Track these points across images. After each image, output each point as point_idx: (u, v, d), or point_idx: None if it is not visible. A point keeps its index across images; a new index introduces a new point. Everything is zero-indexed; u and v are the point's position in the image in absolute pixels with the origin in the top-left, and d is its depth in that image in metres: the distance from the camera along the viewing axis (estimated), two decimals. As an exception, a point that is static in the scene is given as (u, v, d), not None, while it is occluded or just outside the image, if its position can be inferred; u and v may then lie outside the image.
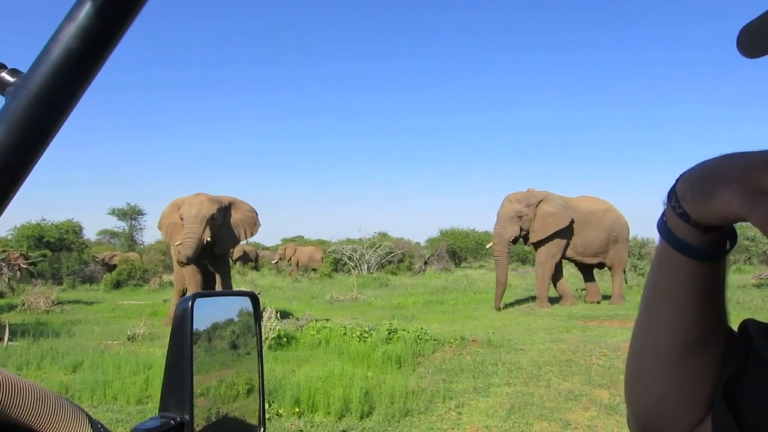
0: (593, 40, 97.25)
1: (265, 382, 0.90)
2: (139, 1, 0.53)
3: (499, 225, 15.32)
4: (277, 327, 9.32)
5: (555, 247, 15.44)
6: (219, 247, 12.07)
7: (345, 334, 9.73)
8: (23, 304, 15.16)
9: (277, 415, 5.62)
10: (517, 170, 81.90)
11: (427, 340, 9.18)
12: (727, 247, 0.60)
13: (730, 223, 0.56)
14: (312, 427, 5.34)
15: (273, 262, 35.83)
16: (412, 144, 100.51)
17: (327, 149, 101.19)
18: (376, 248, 27.92)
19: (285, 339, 9.37)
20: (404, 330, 9.43)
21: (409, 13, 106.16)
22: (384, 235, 36.63)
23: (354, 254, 27.54)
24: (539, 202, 15.24)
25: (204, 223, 11.45)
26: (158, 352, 9.13)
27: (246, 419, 0.88)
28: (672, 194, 0.59)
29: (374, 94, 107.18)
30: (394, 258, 28.89)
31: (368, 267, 26.91)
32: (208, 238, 11.54)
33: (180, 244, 11.47)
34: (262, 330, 0.73)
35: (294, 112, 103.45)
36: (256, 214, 12.77)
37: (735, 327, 0.65)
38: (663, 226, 0.61)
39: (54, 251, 24.71)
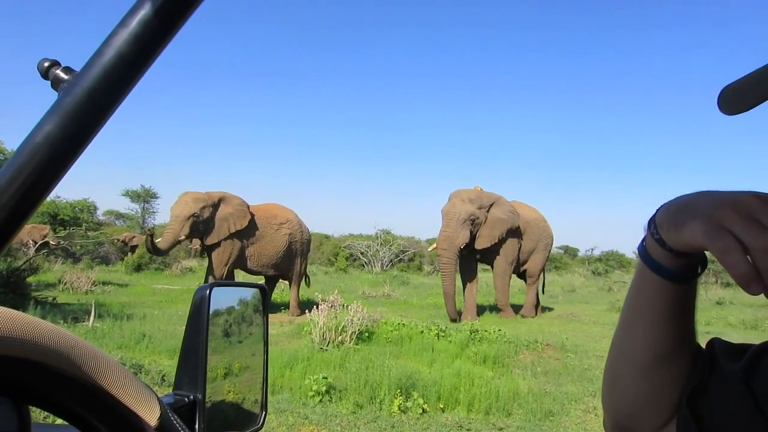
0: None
1: (268, 369, 0.96)
2: (188, 10, 0.56)
3: (449, 228, 13.34)
4: (359, 322, 9.48)
5: (512, 253, 14.36)
6: (208, 239, 12.70)
7: (422, 332, 9.97)
8: (62, 283, 15.03)
9: (423, 411, 5.81)
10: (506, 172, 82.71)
11: (505, 342, 9.47)
12: (699, 271, 0.67)
13: (698, 251, 0.61)
14: (469, 423, 5.57)
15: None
16: (414, 141, 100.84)
17: (323, 142, 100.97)
18: (390, 246, 28.20)
19: (367, 334, 9.56)
20: (486, 331, 9.71)
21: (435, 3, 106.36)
22: (387, 232, 36.90)
23: (368, 251, 27.75)
24: (491, 205, 13.92)
25: (183, 222, 12.23)
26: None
27: (250, 404, 0.93)
28: (651, 222, 0.66)
29: (372, 88, 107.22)
30: (405, 257, 29.17)
31: (381, 264, 27.16)
32: (183, 236, 12.40)
33: (159, 239, 12.63)
34: (268, 321, 0.91)
35: (291, 102, 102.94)
36: (247, 207, 13.18)
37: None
38: (643, 249, 0.68)
39: (68, 229, 24.43)
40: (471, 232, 13.48)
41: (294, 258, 14.23)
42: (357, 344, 8.96)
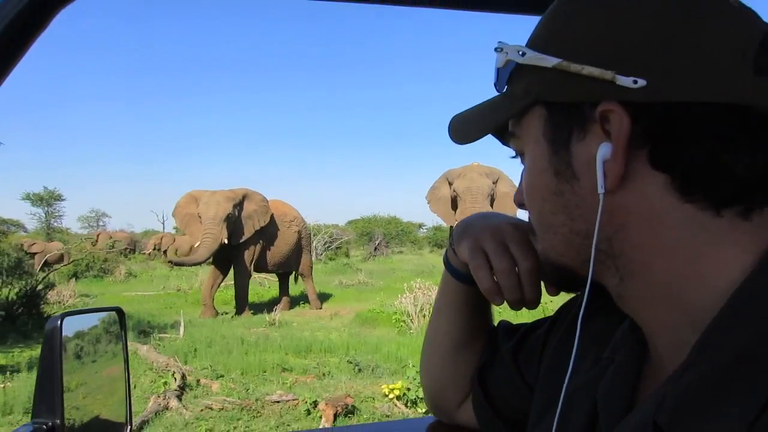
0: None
1: (130, 385, 0.99)
2: (18, 54, 0.56)
3: (478, 203, 12.67)
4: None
5: None
6: (234, 239, 12.40)
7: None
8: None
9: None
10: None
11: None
12: None
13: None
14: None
15: (146, 252, 30.50)
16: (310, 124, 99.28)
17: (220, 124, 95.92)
18: (322, 235, 28.59)
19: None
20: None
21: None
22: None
23: (302, 241, 27.95)
24: (497, 180, 13.51)
25: (221, 223, 11.97)
26: (332, 336, 9.45)
27: (114, 419, 0.94)
28: (451, 234, 0.78)
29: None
30: (334, 245, 29.77)
31: (316, 253, 27.48)
32: (225, 240, 12.03)
33: (199, 244, 12.18)
34: (127, 340, 1.01)
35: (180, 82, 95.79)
36: (267, 203, 13.20)
37: None
38: (445, 257, 0.80)
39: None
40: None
41: (302, 254, 14.41)
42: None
